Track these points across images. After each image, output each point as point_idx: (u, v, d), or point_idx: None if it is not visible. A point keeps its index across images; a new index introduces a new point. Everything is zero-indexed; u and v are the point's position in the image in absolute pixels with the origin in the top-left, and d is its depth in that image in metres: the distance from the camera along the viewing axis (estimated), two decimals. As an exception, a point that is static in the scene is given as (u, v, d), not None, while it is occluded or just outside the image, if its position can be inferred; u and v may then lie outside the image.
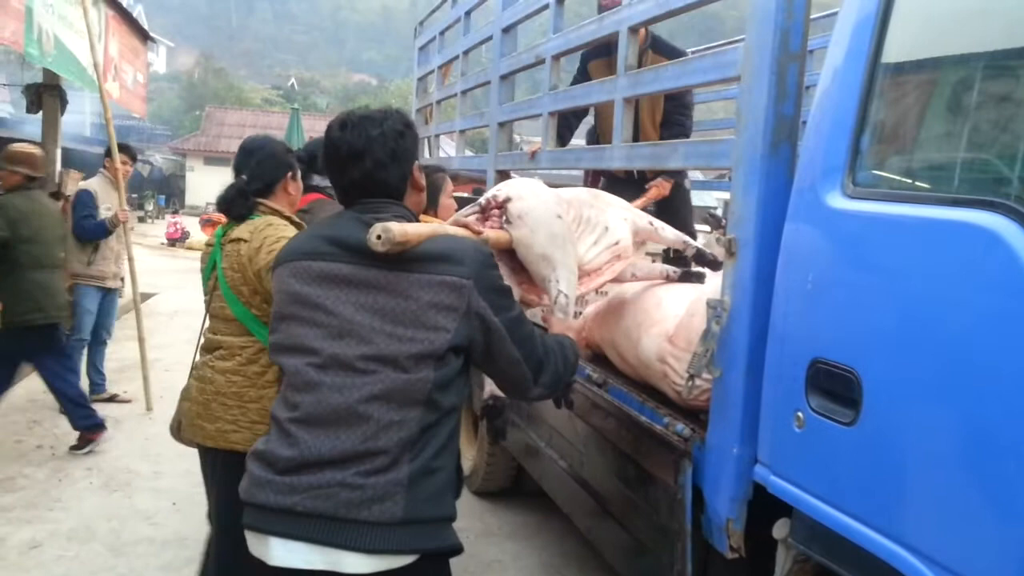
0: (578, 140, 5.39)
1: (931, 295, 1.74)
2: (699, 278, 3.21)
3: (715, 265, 3.19)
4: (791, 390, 2.08)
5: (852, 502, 1.90)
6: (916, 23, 1.97)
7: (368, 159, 2.00)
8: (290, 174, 2.99)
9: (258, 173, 2.96)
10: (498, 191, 2.65)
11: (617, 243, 2.92)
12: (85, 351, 6.63)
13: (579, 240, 2.85)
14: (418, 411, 1.87)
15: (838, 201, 2.00)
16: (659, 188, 4.72)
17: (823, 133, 2.10)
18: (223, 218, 2.98)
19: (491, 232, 2.52)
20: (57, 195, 7.39)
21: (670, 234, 3.28)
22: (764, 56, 2.23)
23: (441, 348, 1.88)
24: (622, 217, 3.03)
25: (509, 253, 2.64)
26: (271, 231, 2.79)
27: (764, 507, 2.24)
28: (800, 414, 2.05)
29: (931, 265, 1.75)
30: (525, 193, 2.64)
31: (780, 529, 2.22)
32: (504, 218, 2.59)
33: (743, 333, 2.28)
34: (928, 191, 1.90)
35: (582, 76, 4.97)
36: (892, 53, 1.98)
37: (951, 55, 1.92)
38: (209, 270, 2.95)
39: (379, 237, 1.80)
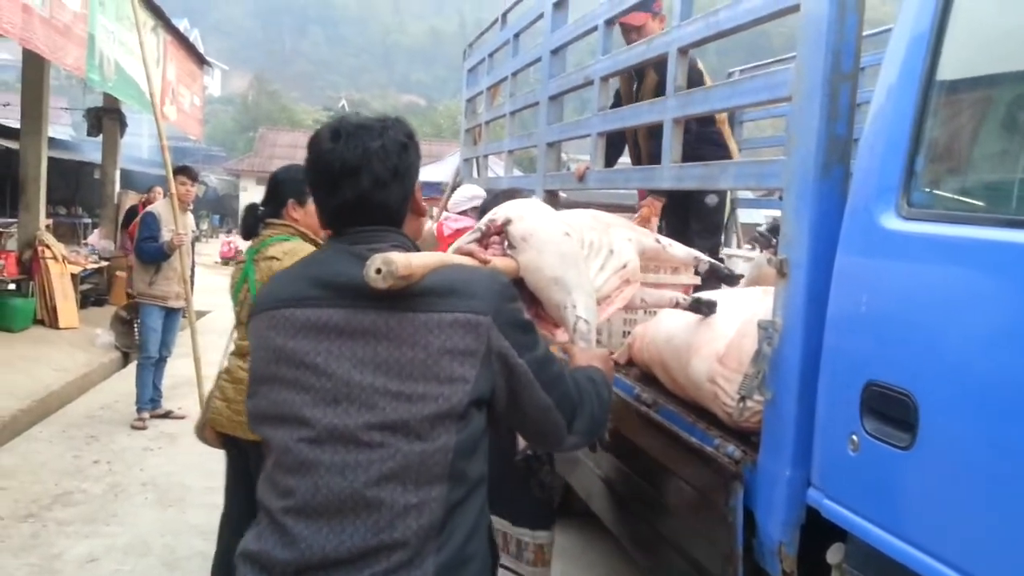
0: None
1: (989, 317, 1.70)
2: (709, 308, 3.00)
3: (731, 280, 3.07)
4: (845, 413, 2.05)
5: (909, 528, 1.87)
6: (971, 40, 1.94)
7: (365, 177, 1.67)
8: (292, 200, 3.23)
9: (269, 197, 3.31)
10: (495, 214, 2.41)
11: (625, 266, 2.68)
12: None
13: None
14: (441, 488, 1.55)
15: (892, 222, 1.97)
16: (650, 208, 4.54)
17: (877, 153, 2.08)
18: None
19: (497, 260, 2.21)
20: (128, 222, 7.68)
21: (679, 251, 3.07)
22: (815, 76, 2.21)
23: (461, 404, 1.57)
24: (626, 238, 2.78)
25: (517, 283, 2.37)
26: (301, 256, 2.89)
27: (817, 531, 2.21)
28: (855, 437, 2.01)
29: (988, 287, 1.72)
30: (525, 213, 2.41)
31: (834, 554, 2.18)
32: (506, 243, 2.33)
33: (795, 355, 2.25)
34: (985, 211, 1.87)
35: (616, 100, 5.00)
36: (947, 70, 1.95)
37: (1007, 72, 1.89)
38: (240, 283, 3.19)
39: (379, 271, 1.51)
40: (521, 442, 2.39)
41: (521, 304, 1.78)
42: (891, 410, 1.92)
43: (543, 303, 2.32)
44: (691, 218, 4.83)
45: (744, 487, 2.42)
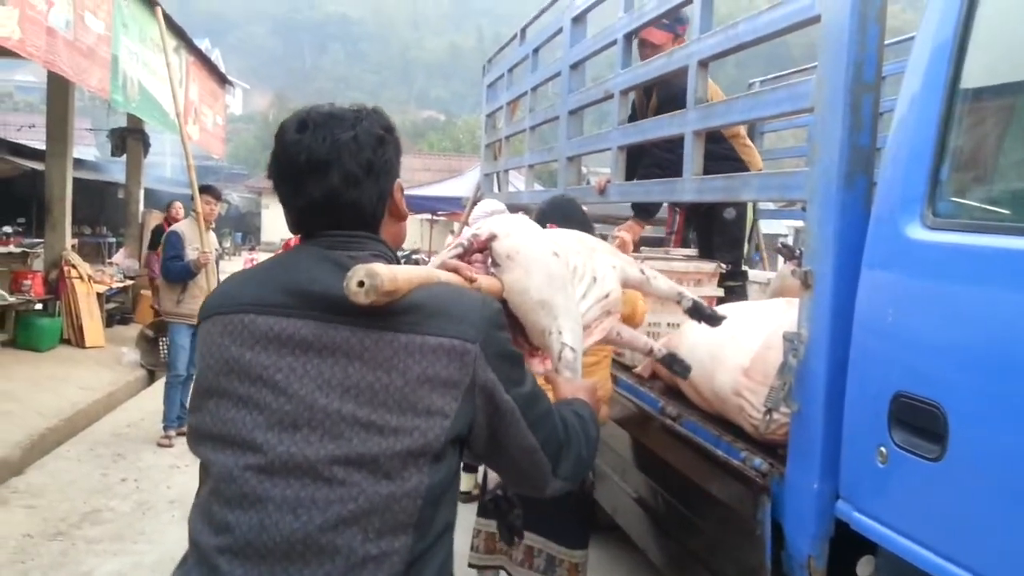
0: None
1: (1017, 327, 1.69)
2: (683, 369, 2.83)
3: (714, 320, 2.84)
4: (873, 424, 2.03)
5: (939, 540, 1.85)
6: (995, 47, 1.94)
7: (335, 172, 1.46)
8: None
9: None
10: (478, 229, 2.23)
11: (607, 296, 2.50)
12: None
13: None
14: (405, 539, 1.36)
15: (918, 232, 1.96)
16: (629, 231, 4.43)
17: (901, 162, 2.07)
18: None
19: (483, 279, 1.96)
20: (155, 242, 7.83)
21: (663, 284, 2.88)
22: (837, 87, 2.21)
23: (438, 441, 1.37)
24: (610, 265, 2.59)
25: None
26: None
27: (847, 544, 2.20)
28: (883, 449, 2.00)
29: (1016, 297, 1.71)
30: (511, 229, 2.22)
31: (864, 567, 2.17)
32: (490, 260, 2.14)
33: (821, 366, 2.24)
34: (1012, 220, 1.85)
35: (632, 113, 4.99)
36: (971, 78, 1.95)
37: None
38: None
39: (361, 284, 1.31)
40: (491, 479, 2.17)
41: (509, 333, 1.59)
42: (920, 421, 1.90)
43: (526, 327, 2.10)
44: (714, 231, 4.82)
45: (772, 500, 2.41)
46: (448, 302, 1.45)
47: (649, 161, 4.38)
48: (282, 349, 1.39)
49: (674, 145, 4.42)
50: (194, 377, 1.52)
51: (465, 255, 2.10)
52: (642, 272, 2.79)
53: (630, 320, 3.20)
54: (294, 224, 1.56)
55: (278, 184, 1.53)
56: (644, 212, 4.64)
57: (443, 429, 1.38)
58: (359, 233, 1.52)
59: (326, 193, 1.47)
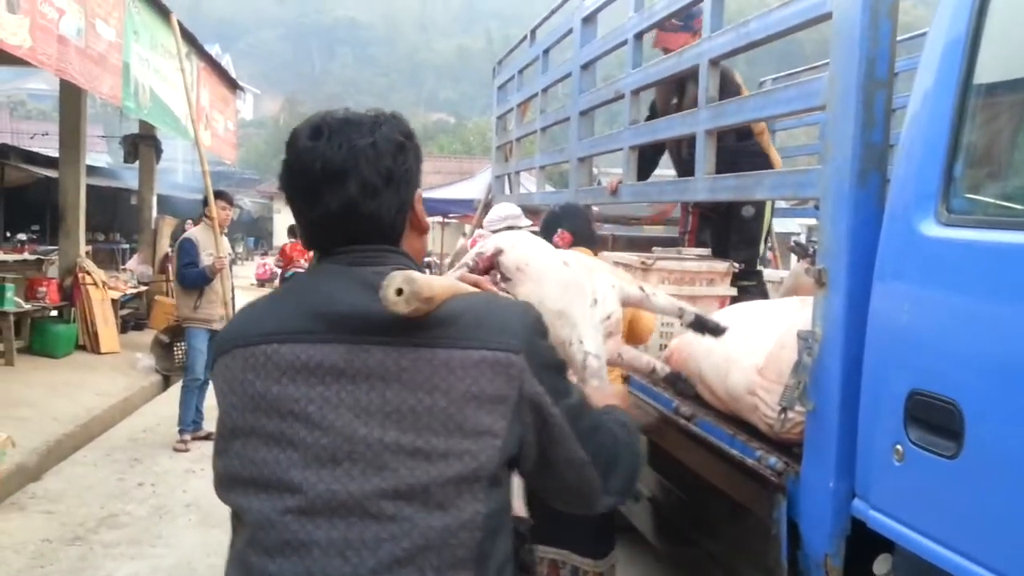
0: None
1: (1035, 323, 1.68)
2: (687, 387, 2.84)
3: (717, 332, 2.83)
4: (889, 423, 2.03)
5: (957, 537, 1.84)
6: (1008, 42, 1.93)
7: (352, 182, 1.35)
8: None
9: None
10: (482, 248, 2.18)
11: (609, 317, 2.46)
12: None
13: None
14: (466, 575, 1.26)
15: (932, 229, 1.95)
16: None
17: (914, 159, 2.07)
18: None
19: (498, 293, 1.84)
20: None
21: (663, 300, 2.86)
22: (850, 84, 2.21)
23: (491, 463, 1.28)
24: (610, 284, 2.56)
25: None
26: None
27: (863, 542, 2.19)
28: (899, 447, 1.99)
29: (1034, 292, 1.70)
30: (516, 242, 2.21)
31: (881, 565, 2.16)
32: (499, 276, 2.10)
33: (836, 365, 2.24)
34: (1027, 216, 1.85)
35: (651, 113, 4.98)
36: (984, 74, 1.94)
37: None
38: None
39: (400, 292, 1.22)
40: (517, 507, 2.04)
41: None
42: (936, 419, 1.89)
43: None
44: (731, 230, 4.79)
45: (787, 499, 2.40)
46: (486, 311, 1.35)
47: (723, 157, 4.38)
48: (311, 379, 1.28)
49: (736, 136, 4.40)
50: (217, 419, 1.39)
51: (472, 274, 1.98)
52: (641, 289, 2.74)
53: (637, 338, 3.20)
54: (308, 238, 1.45)
55: (291, 195, 1.42)
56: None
57: (495, 450, 1.28)
58: (381, 247, 1.40)
59: (343, 204, 1.35)
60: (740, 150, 4.43)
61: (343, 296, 1.32)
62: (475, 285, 1.62)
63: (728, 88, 4.28)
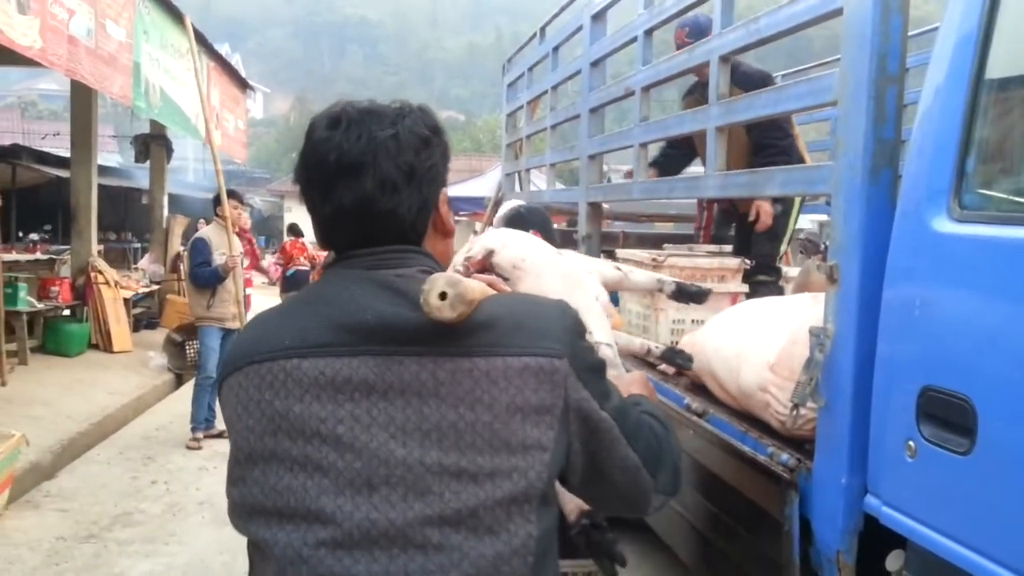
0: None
1: (1048, 318, 1.68)
2: (685, 360, 2.86)
3: (699, 297, 2.83)
4: (902, 419, 2.02)
5: (970, 533, 1.84)
6: (1021, 36, 1.92)
7: (369, 176, 1.25)
8: None
9: None
10: (470, 251, 2.10)
11: (597, 298, 2.43)
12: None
13: None
14: None
15: (944, 225, 1.95)
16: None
17: (926, 155, 2.06)
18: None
19: None
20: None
21: (641, 277, 2.88)
22: (861, 79, 2.20)
23: (541, 480, 1.18)
24: (587, 270, 2.53)
25: None
26: None
27: (875, 538, 2.19)
28: (912, 443, 1.99)
29: (1047, 287, 1.69)
30: (506, 240, 2.15)
31: (894, 561, 2.15)
32: (494, 276, 1.97)
33: (848, 361, 2.23)
34: (1040, 211, 1.84)
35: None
36: (996, 68, 1.93)
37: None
38: None
39: (444, 296, 1.13)
40: (572, 509, 1.91)
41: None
42: (949, 415, 1.89)
43: None
44: (755, 225, 4.76)
45: (799, 495, 2.40)
46: (524, 313, 1.25)
47: (773, 151, 4.37)
48: (339, 396, 1.17)
49: (783, 132, 4.46)
50: (231, 445, 1.27)
51: (483, 275, 1.87)
52: (618, 269, 2.75)
53: None
54: (322, 236, 1.34)
55: (305, 188, 1.32)
56: None
57: (544, 465, 1.18)
58: (403, 248, 1.30)
59: (358, 200, 1.25)
60: (780, 149, 4.42)
61: (367, 303, 1.21)
62: (489, 286, 1.40)
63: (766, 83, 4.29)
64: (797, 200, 4.65)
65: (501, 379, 1.17)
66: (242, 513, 1.23)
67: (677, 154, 5.24)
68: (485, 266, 2.06)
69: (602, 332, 2.10)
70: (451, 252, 1.47)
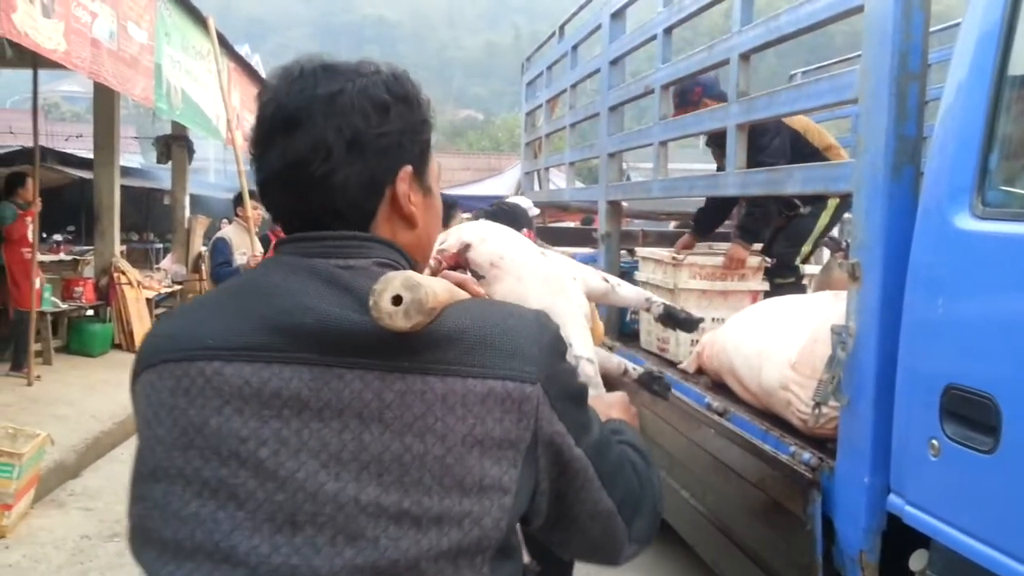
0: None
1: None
2: (662, 387, 2.61)
3: (688, 324, 2.67)
4: (925, 417, 2.01)
5: (994, 532, 1.83)
6: (1043, 33, 1.90)
7: (301, 135, 1.06)
8: None
9: None
10: (443, 243, 1.88)
11: (579, 308, 2.25)
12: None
13: None
14: None
15: (967, 222, 1.94)
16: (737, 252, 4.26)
17: (948, 152, 2.05)
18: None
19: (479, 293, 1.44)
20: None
21: (630, 292, 2.67)
22: (882, 77, 2.19)
23: (498, 529, 0.99)
24: (571, 276, 2.33)
25: None
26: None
27: (898, 537, 2.18)
28: (935, 442, 1.98)
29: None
30: (485, 234, 1.94)
31: (917, 560, 2.14)
32: (468, 273, 1.79)
33: (870, 359, 2.22)
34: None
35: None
36: (1019, 64, 1.92)
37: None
38: None
39: (398, 301, 0.92)
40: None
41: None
42: (972, 413, 1.88)
43: None
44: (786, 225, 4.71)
45: (822, 494, 2.39)
46: (494, 325, 1.03)
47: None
48: (264, 411, 0.96)
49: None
50: (135, 454, 1.04)
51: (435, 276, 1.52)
52: (605, 280, 2.54)
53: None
54: (269, 212, 1.16)
55: (250, 148, 1.14)
56: (750, 234, 4.33)
57: (503, 510, 0.98)
58: (356, 235, 1.08)
59: (288, 164, 1.06)
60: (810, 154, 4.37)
61: (307, 300, 1.00)
62: (459, 286, 1.17)
63: (801, 142, 4.23)
64: (831, 202, 4.56)
65: (459, 405, 0.97)
66: (139, 540, 1.02)
67: (714, 208, 5.11)
68: (459, 261, 1.86)
69: (583, 346, 1.90)
70: (427, 247, 1.21)
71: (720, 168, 3.84)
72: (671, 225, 7.59)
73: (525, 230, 2.79)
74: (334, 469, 0.95)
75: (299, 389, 0.96)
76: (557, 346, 1.09)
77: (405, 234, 1.14)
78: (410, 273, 0.96)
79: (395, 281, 0.93)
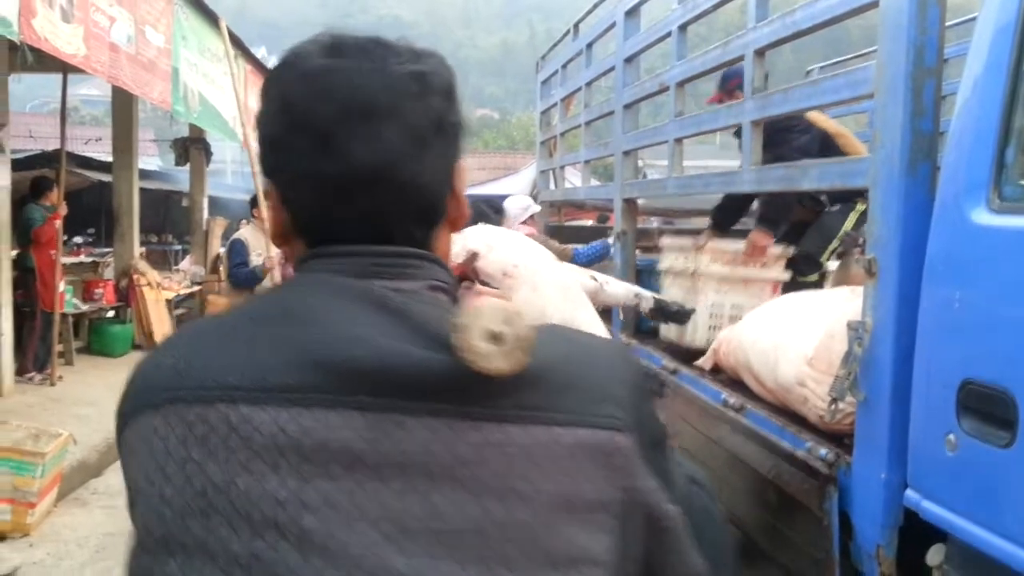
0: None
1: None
2: (683, 314, 2.72)
3: (680, 316, 2.70)
4: (942, 412, 2.01)
5: (1012, 527, 1.82)
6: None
7: (394, 124, 0.84)
8: None
9: None
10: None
11: (596, 317, 2.24)
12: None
13: None
14: None
15: (984, 217, 1.93)
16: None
17: (965, 147, 2.04)
18: None
19: None
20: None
21: (618, 289, 2.62)
22: (898, 72, 2.19)
23: None
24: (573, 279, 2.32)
25: None
26: None
27: (916, 532, 2.17)
28: (952, 437, 1.98)
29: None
30: (492, 241, 1.79)
31: (935, 556, 2.14)
32: (476, 284, 1.66)
33: (887, 355, 2.22)
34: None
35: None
36: (1036, 60, 1.92)
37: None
38: None
39: (497, 338, 0.74)
40: None
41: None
42: (989, 408, 1.88)
43: None
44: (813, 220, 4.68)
45: (839, 490, 2.39)
46: (578, 363, 0.85)
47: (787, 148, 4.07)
48: (306, 466, 0.75)
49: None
50: (135, 520, 0.81)
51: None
52: (594, 279, 2.46)
53: None
54: (298, 219, 0.90)
55: (281, 142, 0.87)
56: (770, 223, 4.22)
57: None
58: (410, 251, 0.87)
59: (380, 160, 0.84)
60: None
61: (359, 330, 0.79)
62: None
63: (831, 144, 4.20)
64: (860, 206, 4.49)
65: (545, 460, 0.78)
66: None
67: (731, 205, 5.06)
68: (466, 272, 1.70)
69: None
70: (448, 258, 0.97)
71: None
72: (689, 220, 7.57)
73: (519, 223, 2.78)
74: (399, 541, 0.74)
75: (350, 440, 0.75)
76: (644, 384, 0.91)
77: (444, 245, 0.94)
78: (500, 303, 0.77)
79: (488, 313, 0.75)
